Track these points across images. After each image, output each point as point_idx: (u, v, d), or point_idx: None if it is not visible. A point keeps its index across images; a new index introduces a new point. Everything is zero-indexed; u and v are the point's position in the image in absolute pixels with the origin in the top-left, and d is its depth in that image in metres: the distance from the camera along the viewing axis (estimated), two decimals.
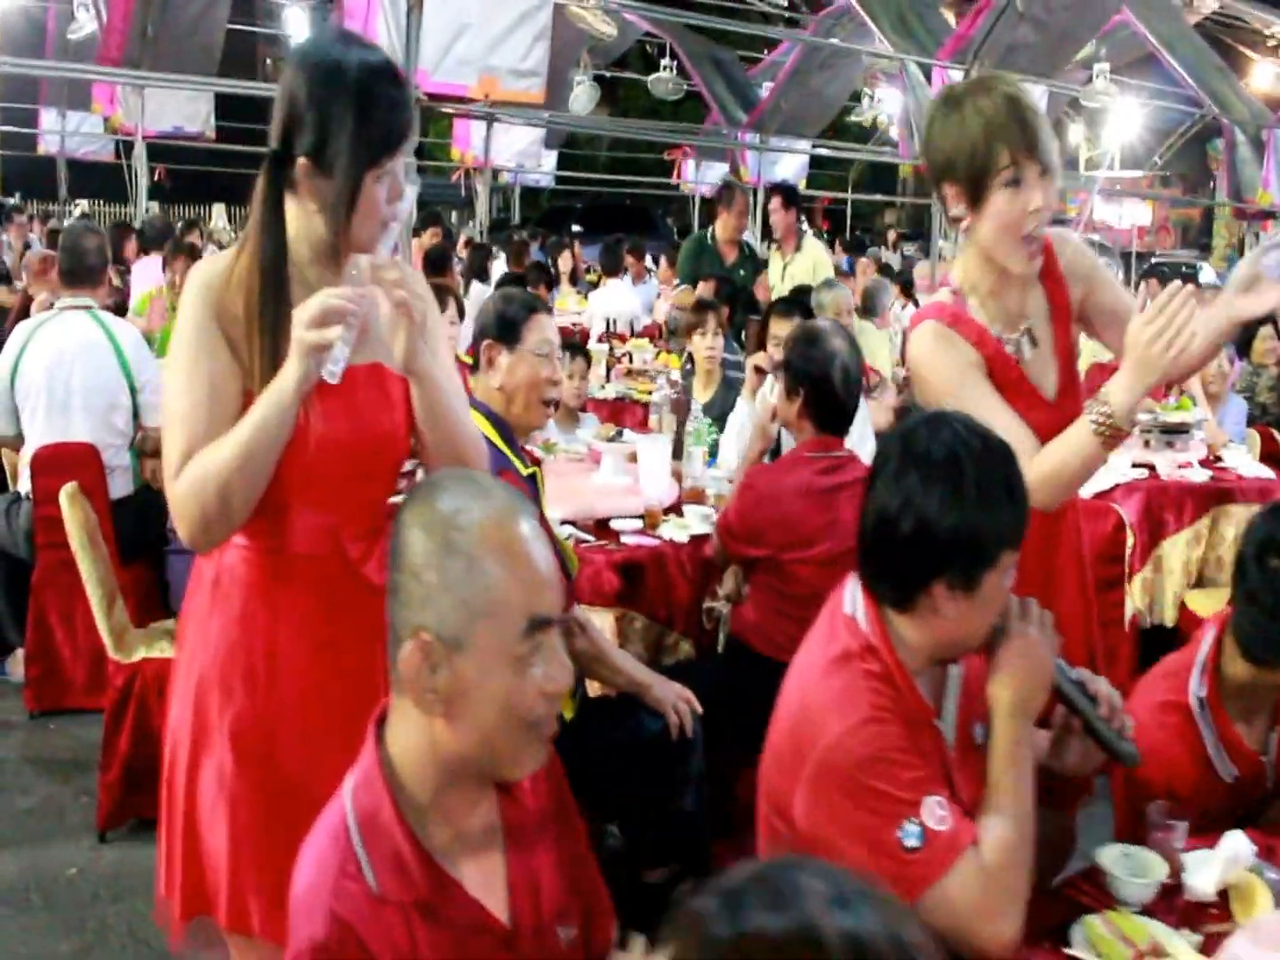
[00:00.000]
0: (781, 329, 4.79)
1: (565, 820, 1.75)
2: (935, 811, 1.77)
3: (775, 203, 7.75)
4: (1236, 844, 2.07)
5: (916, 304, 10.38)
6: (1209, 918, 2.00)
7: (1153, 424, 6.01)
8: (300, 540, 2.07)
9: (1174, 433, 6.00)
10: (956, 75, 6.35)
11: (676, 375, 5.57)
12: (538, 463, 3.31)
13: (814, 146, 11.92)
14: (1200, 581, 5.55)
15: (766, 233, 8.37)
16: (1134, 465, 5.61)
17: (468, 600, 1.47)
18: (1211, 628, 2.43)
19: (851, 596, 1.99)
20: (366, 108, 1.94)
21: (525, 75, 5.61)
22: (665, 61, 12.24)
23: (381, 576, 2.08)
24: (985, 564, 1.85)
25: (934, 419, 1.94)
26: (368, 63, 1.97)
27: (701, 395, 5.45)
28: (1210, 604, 5.16)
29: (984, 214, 2.35)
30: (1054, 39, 6.34)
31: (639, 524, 4.06)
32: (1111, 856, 2.07)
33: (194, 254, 7.13)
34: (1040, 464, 2.26)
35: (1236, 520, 5.53)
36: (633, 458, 4.67)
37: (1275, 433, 6.72)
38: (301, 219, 2.03)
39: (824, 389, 3.55)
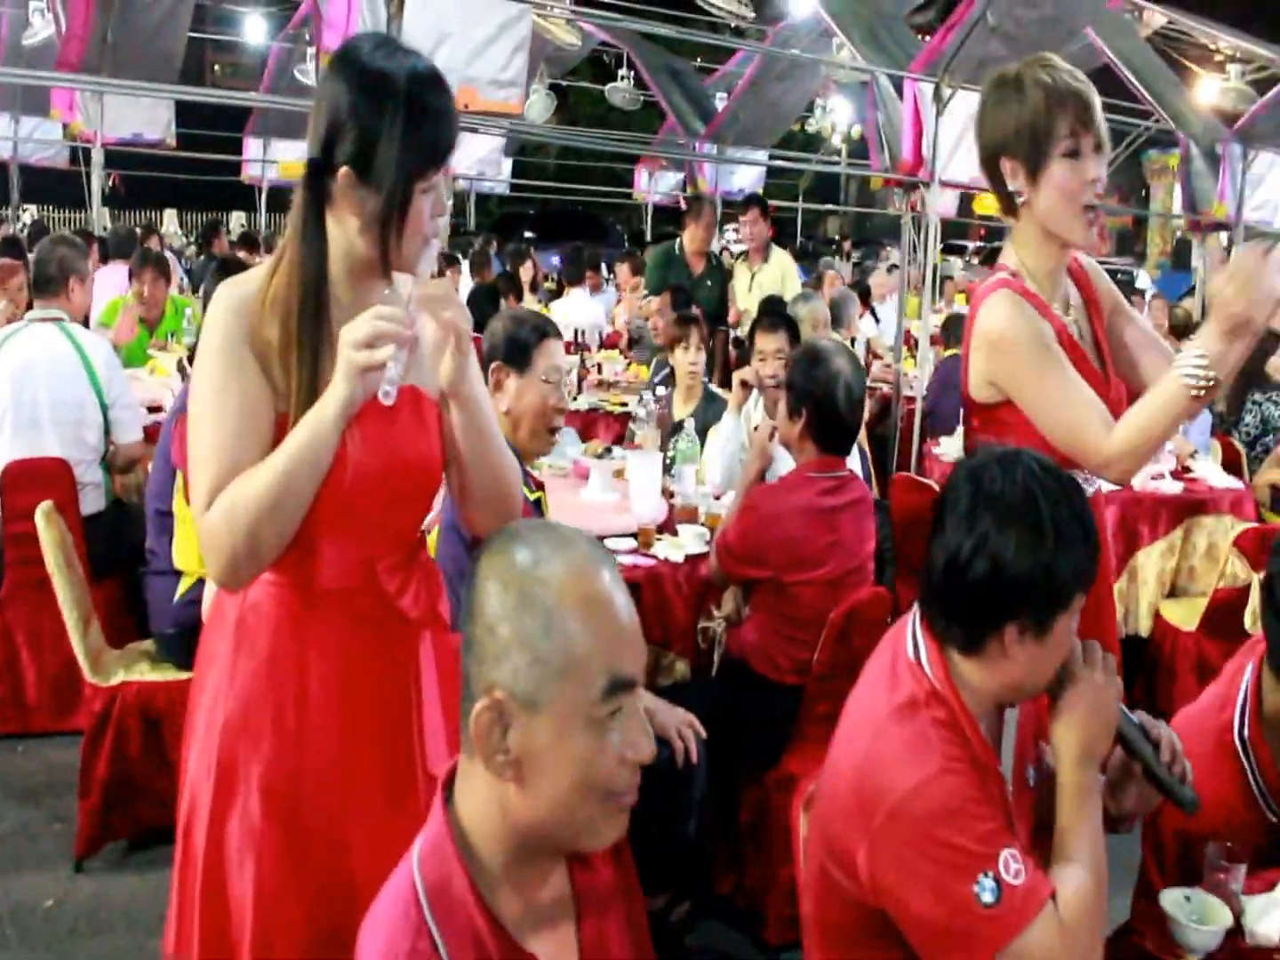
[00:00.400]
0: (768, 343, 4.76)
1: (629, 883, 1.69)
2: (1011, 865, 1.72)
3: (753, 214, 7.73)
4: None
5: (875, 314, 10.42)
6: None
7: None
8: (333, 574, 1.98)
9: None
10: (927, 89, 6.36)
11: (661, 390, 5.49)
12: (541, 486, 3.25)
13: (771, 157, 11.91)
14: (1174, 591, 5.59)
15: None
16: None
17: (544, 657, 1.38)
18: (1250, 663, 2.36)
19: (913, 640, 1.92)
20: (416, 117, 1.86)
21: (505, 85, 5.55)
22: (623, 72, 12.23)
23: (417, 609, 2.06)
24: (1060, 607, 1.82)
25: (1005, 457, 1.88)
26: (417, 71, 1.89)
27: (682, 410, 5.40)
28: (1183, 613, 5.26)
29: (1043, 186, 2.40)
30: (1023, 53, 6.33)
31: (632, 543, 4.00)
32: (1174, 900, 2.01)
33: (161, 265, 7.00)
34: (1124, 431, 2.27)
35: (1208, 531, 5.61)
36: (619, 474, 4.62)
37: (1233, 441, 6.80)
38: (339, 235, 1.95)
39: (827, 409, 3.52)
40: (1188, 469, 6.00)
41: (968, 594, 1.82)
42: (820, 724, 3.60)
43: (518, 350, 3.09)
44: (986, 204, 18.94)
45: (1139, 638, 5.41)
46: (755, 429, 4.22)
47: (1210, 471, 5.96)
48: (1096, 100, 2.40)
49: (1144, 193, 22.74)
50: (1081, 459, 2.36)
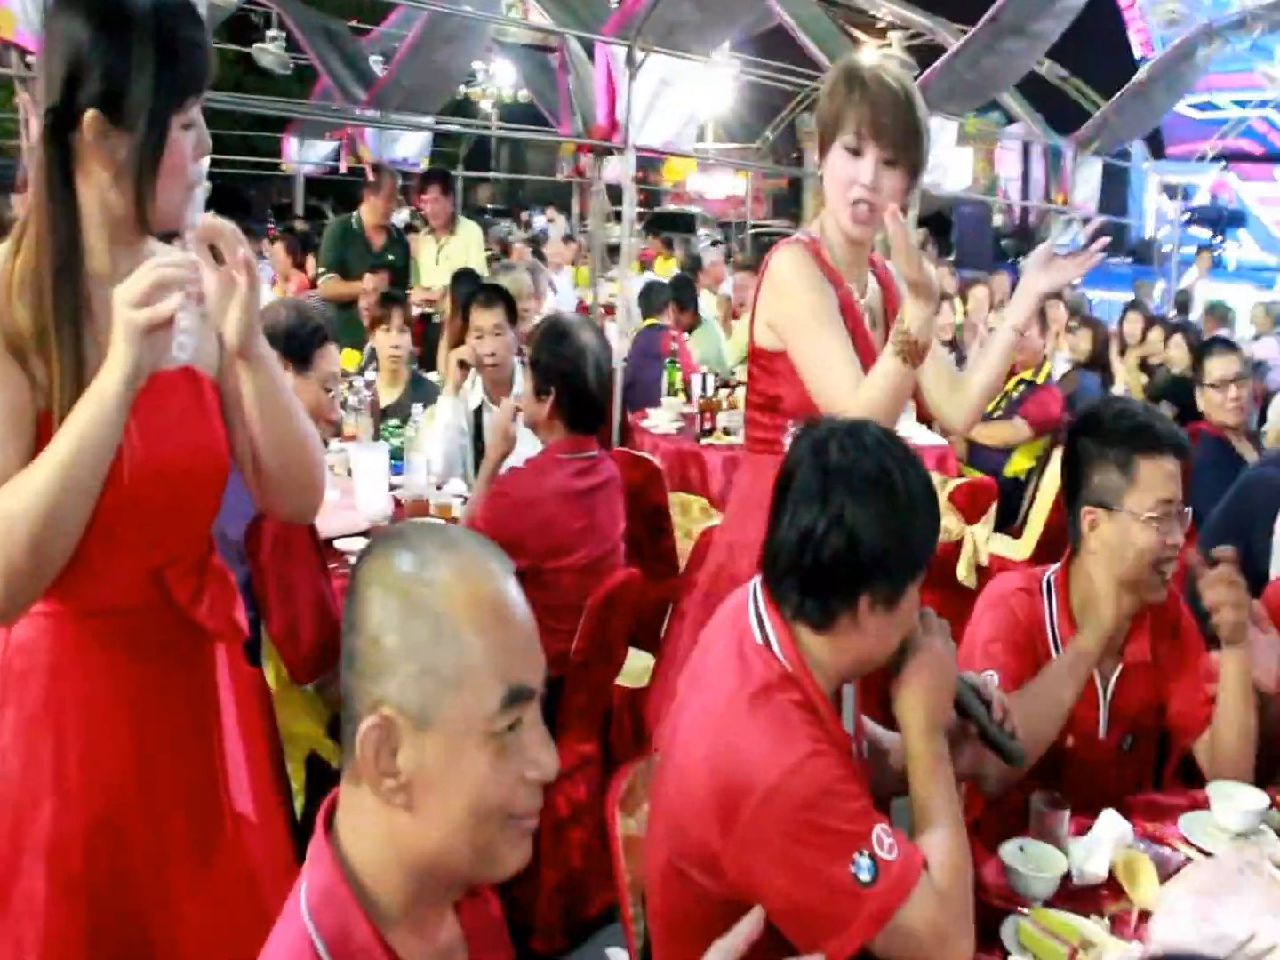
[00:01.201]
0: (484, 319, 4.50)
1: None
2: (884, 840, 1.71)
3: (433, 193, 7.43)
4: (1114, 823, 2.12)
5: (552, 285, 10.29)
6: (1105, 899, 2.03)
7: None
8: (114, 591, 1.70)
9: None
10: (620, 51, 6.21)
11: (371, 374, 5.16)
12: None
13: (437, 123, 11.53)
14: None
15: None
16: None
17: (435, 667, 1.24)
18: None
19: (758, 623, 1.87)
20: (168, 44, 1.63)
21: None
22: (272, 33, 11.55)
23: (215, 619, 1.80)
24: (911, 576, 1.82)
25: (849, 429, 1.85)
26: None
27: (387, 395, 5.08)
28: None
29: (826, 165, 2.54)
30: (714, 18, 6.33)
31: (364, 543, 3.68)
32: (1010, 852, 2.05)
33: None
34: (863, 392, 2.37)
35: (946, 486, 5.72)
36: (332, 468, 4.27)
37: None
38: (89, 195, 1.66)
39: (577, 386, 3.34)
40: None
41: (823, 569, 1.80)
42: (578, 717, 3.46)
43: (298, 347, 2.82)
44: (675, 169, 19.22)
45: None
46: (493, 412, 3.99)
47: (914, 430, 6.11)
48: (911, 128, 2.48)
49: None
50: (828, 410, 2.42)
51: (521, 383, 3.86)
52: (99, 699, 1.69)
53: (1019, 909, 1.94)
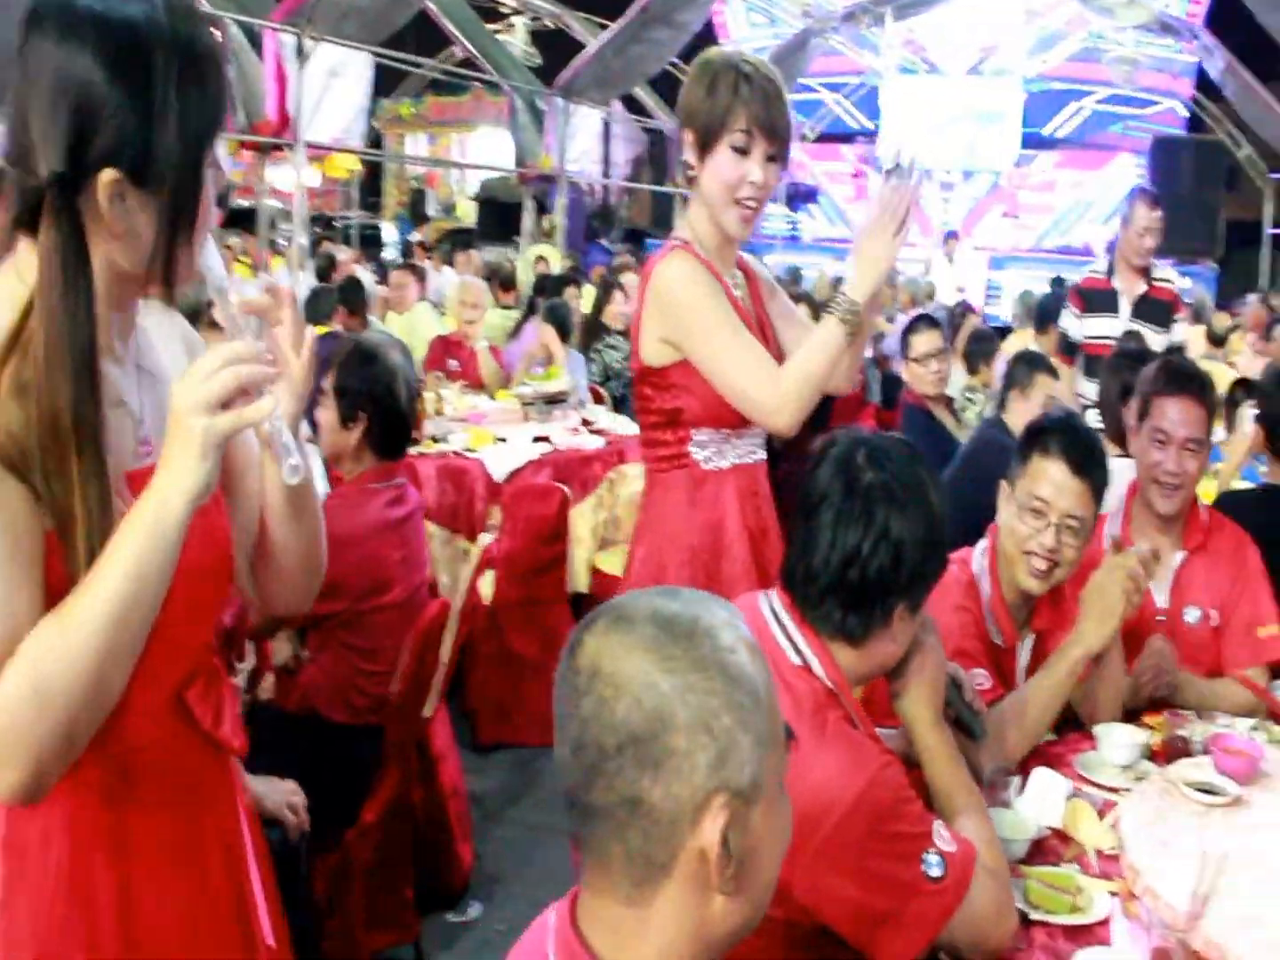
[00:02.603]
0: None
1: None
2: (944, 833, 1.75)
3: None
4: (1051, 777, 2.26)
5: None
6: (1059, 847, 2.15)
7: (534, 395, 6.06)
8: (144, 725, 1.42)
9: (555, 402, 6.10)
10: (289, 39, 5.83)
11: None
12: None
13: None
14: (604, 544, 5.66)
15: None
16: (535, 440, 5.60)
17: (760, 732, 1.16)
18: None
19: (791, 646, 1.85)
20: (194, 72, 1.32)
21: None
22: None
23: (238, 736, 1.55)
24: (939, 578, 1.89)
25: (869, 444, 1.87)
26: (169, 2, 1.31)
27: None
28: (618, 562, 5.29)
29: (708, 166, 2.46)
30: (385, 4, 6.06)
31: None
32: None
33: None
34: (789, 377, 2.38)
35: (630, 479, 5.73)
36: None
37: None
38: (96, 266, 1.31)
39: (390, 410, 3.10)
40: (587, 421, 6.13)
41: (867, 585, 1.81)
42: (398, 762, 3.24)
43: None
44: (338, 165, 18.18)
45: (580, 594, 5.42)
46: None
47: (616, 421, 6.14)
48: (788, 120, 2.48)
49: (378, 143, 23.05)
50: (752, 409, 2.45)
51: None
52: (133, 853, 1.42)
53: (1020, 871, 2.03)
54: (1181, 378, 2.94)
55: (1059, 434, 2.51)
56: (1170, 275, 5.90)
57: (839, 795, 1.69)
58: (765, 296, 2.71)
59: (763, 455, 2.64)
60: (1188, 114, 18.06)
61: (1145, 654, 2.72)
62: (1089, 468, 2.48)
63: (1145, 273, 5.70)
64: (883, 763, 1.74)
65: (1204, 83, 15.90)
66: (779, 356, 2.57)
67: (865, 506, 1.80)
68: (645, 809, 1.12)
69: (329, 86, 6.14)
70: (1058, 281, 11.81)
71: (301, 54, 5.83)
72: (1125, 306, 5.70)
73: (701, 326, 2.43)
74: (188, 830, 1.48)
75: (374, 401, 3.08)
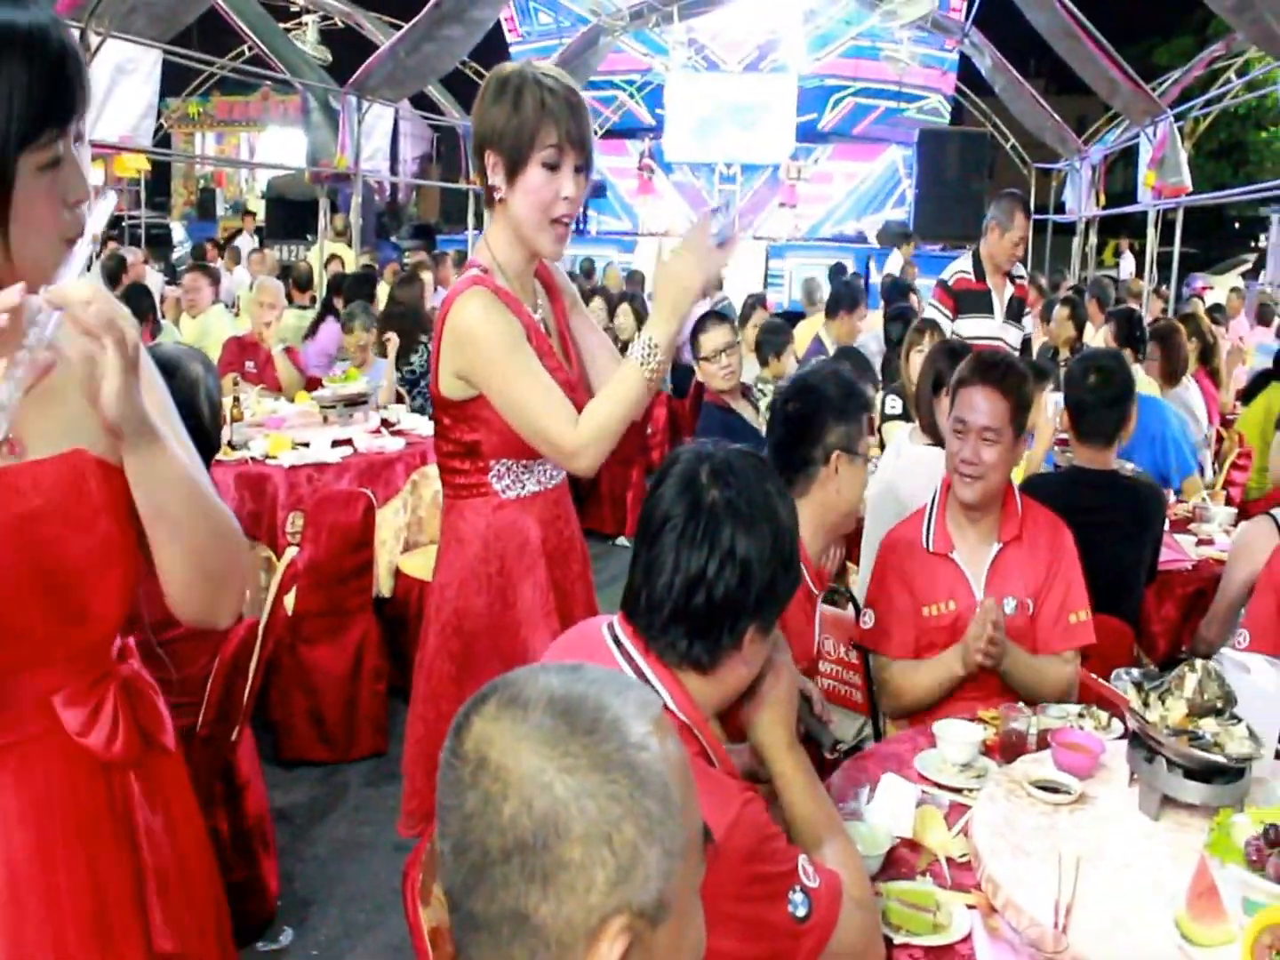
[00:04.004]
0: None
1: None
2: (808, 869, 1.65)
3: None
4: (899, 784, 2.23)
5: None
6: (911, 859, 2.10)
7: (333, 398, 5.99)
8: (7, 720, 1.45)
9: (354, 404, 6.04)
10: (73, 34, 5.60)
11: None
12: None
13: None
14: (408, 546, 5.65)
15: None
16: (334, 444, 5.55)
17: (672, 845, 1.02)
18: None
19: (640, 676, 1.73)
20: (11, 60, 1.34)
21: None
22: None
23: (119, 745, 1.55)
24: (791, 597, 1.78)
25: (718, 460, 1.76)
26: None
27: None
28: (421, 563, 5.29)
29: (518, 188, 2.38)
30: (173, 2, 5.89)
31: None
32: None
33: None
34: (589, 424, 2.33)
35: (432, 479, 5.71)
36: None
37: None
38: None
39: (193, 426, 3.00)
40: (388, 422, 6.11)
41: (715, 610, 1.70)
42: (204, 791, 3.17)
43: None
44: (127, 165, 17.31)
45: (382, 598, 5.39)
46: None
47: (417, 422, 6.13)
48: (590, 130, 2.44)
49: (166, 141, 22.39)
50: (550, 453, 2.41)
51: None
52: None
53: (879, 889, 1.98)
54: (984, 368, 3.01)
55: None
56: (1021, 271, 6.07)
57: None
58: (568, 310, 2.67)
59: (563, 477, 2.61)
60: (951, 108, 18.95)
61: (976, 614, 2.80)
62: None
63: (1009, 274, 5.89)
64: (743, 801, 1.61)
65: (966, 77, 16.68)
66: (582, 375, 2.59)
67: (710, 526, 1.70)
68: (532, 927, 0.99)
69: (116, 83, 5.94)
70: (838, 268, 12.25)
71: (86, 49, 5.63)
72: (999, 307, 5.86)
73: (499, 371, 2.37)
74: (54, 846, 1.49)
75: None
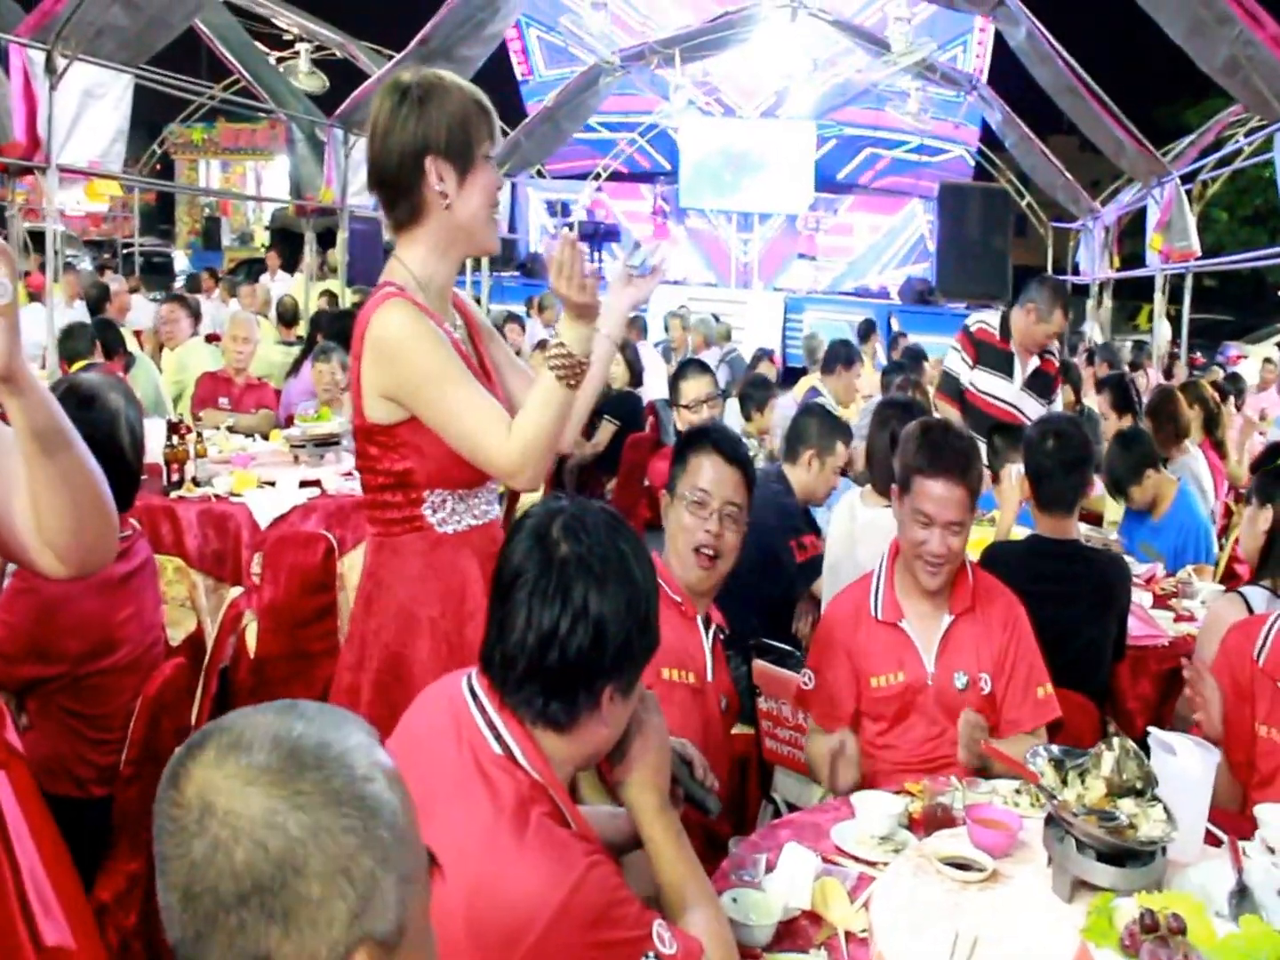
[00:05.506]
0: None
1: None
2: (664, 936, 1.62)
3: None
4: (801, 854, 2.18)
5: None
6: (809, 930, 2.06)
7: (303, 438, 5.86)
8: None
9: (326, 445, 5.90)
10: (38, 56, 5.46)
11: None
12: None
13: None
14: None
15: None
16: (302, 485, 5.38)
17: (405, 870, 1.05)
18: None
19: (493, 734, 1.70)
20: None
21: None
22: None
23: None
24: (649, 659, 1.75)
25: (570, 515, 1.73)
26: None
27: None
28: None
29: (469, 187, 2.35)
30: (149, 21, 5.75)
31: None
32: (727, 906, 2.00)
33: None
34: (519, 436, 2.26)
35: None
36: None
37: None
38: None
39: (113, 457, 2.84)
40: None
41: (568, 668, 1.67)
42: (129, 835, 2.98)
43: None
44: (98, 191, 17.34)
45: None
46: None
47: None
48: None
49: (169, 167, 22.44)
50: (489, 466, 2.32)
51: None
52: None
53: None
54: (943, 457, 2.89)
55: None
56: (1053, 348, 5.90)
57: (540, 907, 1.55)
58: (485, 339, 2.59)
59: (498, 511, 2.53)
60: (974, 163, 18.73)
61: (960, 730, 2.70)
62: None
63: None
64: (589, 863, 1.59)
65: (988, 133, 16.50)
66: (505, 402, 2.46)
67: (561, 582, 1.67)
68: None
69: (86, 107, 5.79)
70: (867, 325, 11.98)
71: (51, 71, 5.47)
72: (1019, 375, 5.69)
73: (430, 381, 2.27)
74: None
75: (94, 446, 2.83)
